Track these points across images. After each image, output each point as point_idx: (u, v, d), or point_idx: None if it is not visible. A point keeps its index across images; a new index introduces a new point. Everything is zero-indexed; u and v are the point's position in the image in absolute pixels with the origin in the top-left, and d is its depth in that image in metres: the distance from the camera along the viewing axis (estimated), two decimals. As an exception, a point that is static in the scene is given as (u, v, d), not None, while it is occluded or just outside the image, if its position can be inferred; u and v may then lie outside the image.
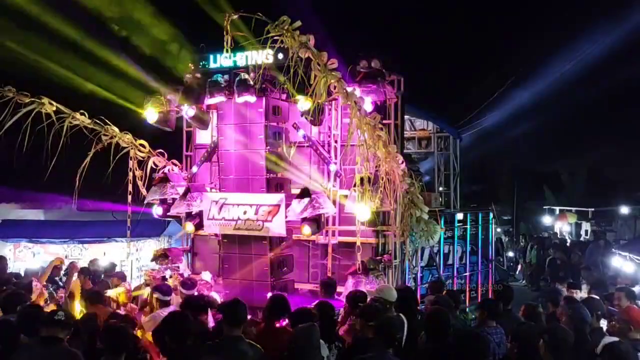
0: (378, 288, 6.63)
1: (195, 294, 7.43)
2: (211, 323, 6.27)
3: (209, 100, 9.01)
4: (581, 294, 8.02)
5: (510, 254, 21.19)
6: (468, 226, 12.21)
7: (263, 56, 8.61)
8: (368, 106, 8.43)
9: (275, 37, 7.07)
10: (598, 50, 21.62)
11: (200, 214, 9.32)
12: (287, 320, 5.55)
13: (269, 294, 6.68)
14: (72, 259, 11.58)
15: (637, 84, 24.16)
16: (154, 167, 10.29)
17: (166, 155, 10.47)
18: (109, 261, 11.01)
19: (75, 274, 8.90)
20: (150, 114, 9.55)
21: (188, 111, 9.29)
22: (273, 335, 5.40)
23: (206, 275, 9.19)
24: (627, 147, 27.08)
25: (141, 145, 10.11)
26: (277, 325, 5.61)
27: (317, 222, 8.44)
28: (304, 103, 8.01)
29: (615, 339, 5.06)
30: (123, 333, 4.88)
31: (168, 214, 9.81)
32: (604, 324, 6.37)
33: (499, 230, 19.96)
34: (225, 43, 8.73)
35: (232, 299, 5.24)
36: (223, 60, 9.05)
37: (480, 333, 5.39)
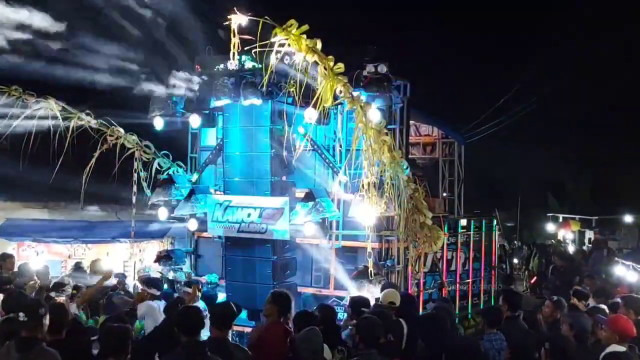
0: (383, 293, 6.64)
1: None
2: None
3: (215, 103, 9.03)
4: (589, 301, 7.85)
5: (515, 260, 21.17)
6: (471, 232, 12.19)
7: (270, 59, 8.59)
8: (374, 111, 8.43)
9: (282, 41, 7.07)
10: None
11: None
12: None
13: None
14: (75, 259, 11.60)
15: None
16: (159, 168, 10.31)
17: (171, 156, 10.49)
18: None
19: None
20: (158, 121, 9.59)
21: (193, 115, 9.31)
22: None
23: (212, 277, 9.15)
24: (632, 156, 27.05)
25: (146, 146, 10.13)
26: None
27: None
28: (310, 114, 8.00)
29: (620, 348, 5.03)
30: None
31: (172, 215, 9.81)
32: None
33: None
34: (232, 46, 8.75)
35: (223, 302, 5.25)
36: (229, 63, 9.05)
37: (478, 343, 5.38)
